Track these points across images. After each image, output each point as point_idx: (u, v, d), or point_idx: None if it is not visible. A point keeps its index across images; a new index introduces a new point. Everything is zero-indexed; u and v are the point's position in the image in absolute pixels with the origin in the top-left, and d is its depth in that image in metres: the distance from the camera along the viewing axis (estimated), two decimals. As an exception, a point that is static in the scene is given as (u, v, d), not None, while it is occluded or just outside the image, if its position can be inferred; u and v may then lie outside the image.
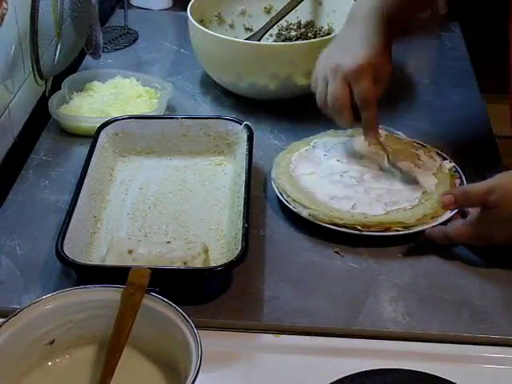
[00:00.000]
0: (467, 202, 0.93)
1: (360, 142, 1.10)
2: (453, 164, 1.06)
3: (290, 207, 0.99)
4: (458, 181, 1.04)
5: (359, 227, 0.95)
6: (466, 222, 0.92)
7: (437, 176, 1.04)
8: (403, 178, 1.04)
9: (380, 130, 1.12)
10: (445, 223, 0.95)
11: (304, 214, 0.98)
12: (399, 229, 0.95)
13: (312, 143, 1.10)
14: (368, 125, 1.02)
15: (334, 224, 0.96)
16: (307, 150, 1.09)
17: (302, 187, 1.02)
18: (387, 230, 0.95)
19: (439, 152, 1.09)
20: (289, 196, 1.00)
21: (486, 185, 0.89)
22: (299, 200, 0.99)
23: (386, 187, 1.02)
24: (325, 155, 1.08)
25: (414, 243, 0.95)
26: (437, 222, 0.96)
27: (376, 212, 0.97)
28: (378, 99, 1.01)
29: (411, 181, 1.03)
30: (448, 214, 0.97)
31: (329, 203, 0.99)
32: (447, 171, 1.05)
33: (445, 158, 1.08)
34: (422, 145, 1.11)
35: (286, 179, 1.03)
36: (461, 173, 1.05)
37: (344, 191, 1.01)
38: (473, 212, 0.92)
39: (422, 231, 0.95)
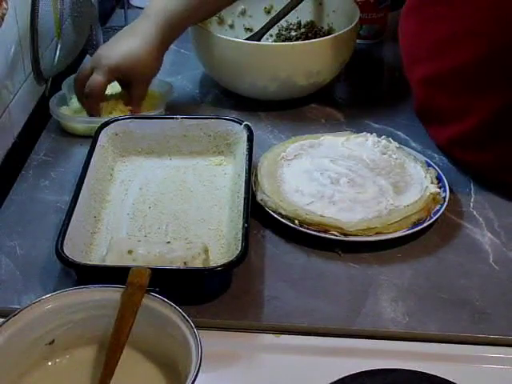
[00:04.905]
0: None
1: (356, 145, 1.09)
2: (439, 190, 0.99)
3: (252, 185, 0.99)
4: (438, 206, 0.98)
5: (297, 221, 0.95)
6: None
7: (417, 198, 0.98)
8: (380, 190, 0.99)
9: (390, 144, 1.09)
10: (381, 243, 0.94)
11: (258, 198, 0.99)
12: (336, 234, 0.94)
13: (320, 139, 1.10)
14: (88, 111, 1.16)
15: (277, 213, 0.96)
16: (310, 143, 1.09)
17: (278, 174, 1.02)
18: (326, 231, 0.94)
19: (436, 169, 1.04)
20: (256, 176, 1.01)
21: None
22: (262, 184, 1.00)
23: (354, 194, 0.98)
24: (320, 152, 1.07)
25: (415, 243, 0.95)
26: (369, 239, 0.94)
27: (326, 213, 0.95)
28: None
29: (385, 195, 0.98)
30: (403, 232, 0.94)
31: (289, 194, 0.99)
32: (429, 194, 0.98)
33: (440, 181, 1.02)
34: (415, 157, 1.06)
35: (269, 162, 1.04)
36: (446, 199, 0.99)
37: (313, 188, 0.99)
38: None
39: (362, 242, 0.94)
